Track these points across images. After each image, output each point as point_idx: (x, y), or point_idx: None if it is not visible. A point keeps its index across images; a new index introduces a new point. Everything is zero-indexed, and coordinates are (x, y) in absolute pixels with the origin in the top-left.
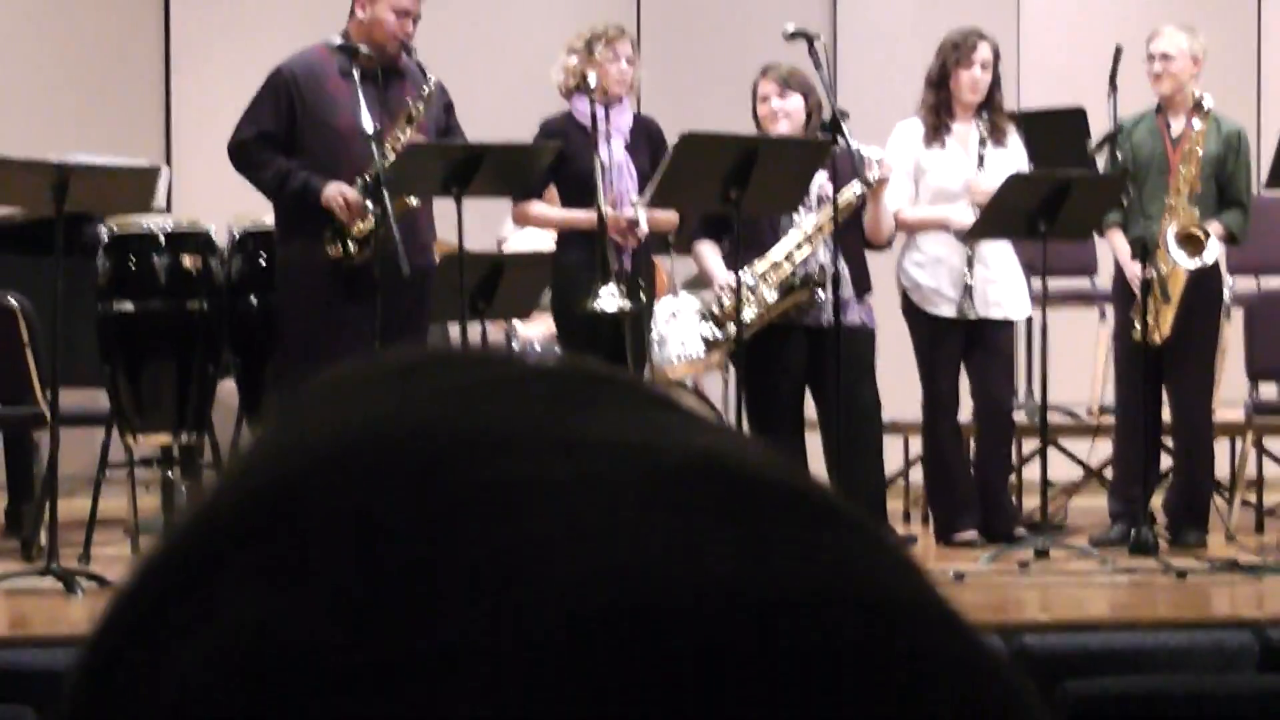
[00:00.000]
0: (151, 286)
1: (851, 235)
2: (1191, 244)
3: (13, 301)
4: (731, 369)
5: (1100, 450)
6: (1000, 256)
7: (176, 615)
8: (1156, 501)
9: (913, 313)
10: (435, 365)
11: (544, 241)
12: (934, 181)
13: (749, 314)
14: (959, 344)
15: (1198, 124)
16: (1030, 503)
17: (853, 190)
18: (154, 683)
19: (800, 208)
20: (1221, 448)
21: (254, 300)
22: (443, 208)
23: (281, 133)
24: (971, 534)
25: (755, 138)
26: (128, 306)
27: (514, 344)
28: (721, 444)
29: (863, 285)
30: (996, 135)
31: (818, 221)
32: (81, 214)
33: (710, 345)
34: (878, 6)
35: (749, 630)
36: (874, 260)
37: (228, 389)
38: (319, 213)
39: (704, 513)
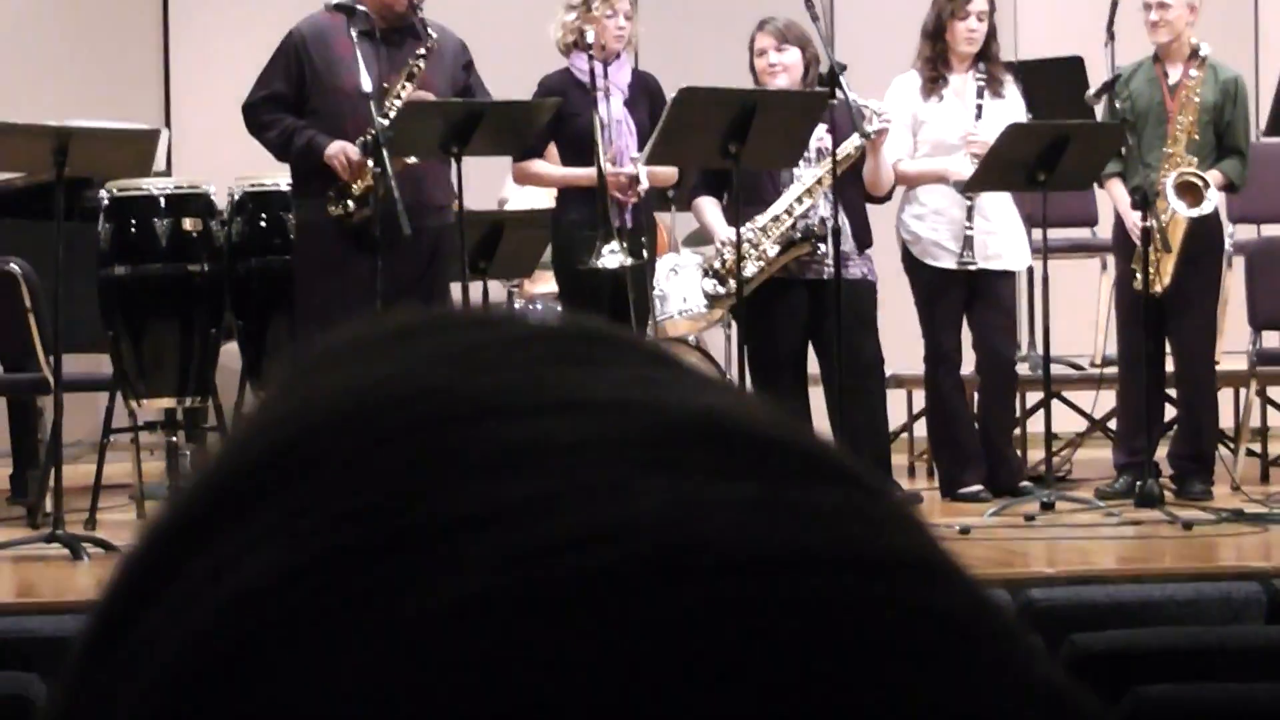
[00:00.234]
0: (152, 250)
1: (852, 189)
2: (1190, 193)
3: (14, 267)
4: (733, 324)
5: (1104, 402)
6: (1000, 208)
7: (185, 577)
8: (1162, 452)
9: (913, 265)
10: (435, 327)
11: (546, 200)
12: (932, 134)
13: (750, 269)
14: (960, 296)
15: (1195, 72)
16: (1035, 455)
17: (852, 143)
18: (163, 644)
19: (800, 161)
20: (1225, 398)
21: (255, 262)
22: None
23: (291, 94)
24: (976, 488)
25: (753, 91)
26: (129, 270)
27: (516, 302)
28: (724, 401)
29: (864, 238)
30: (994, 86)
31: (817, 175)
32: (82, 178)
33: (712, 301)
34: None
35: (752, 587)
36: (875, 215)
37: (230, 352)
38: (325, 172)
39: (706, 470)
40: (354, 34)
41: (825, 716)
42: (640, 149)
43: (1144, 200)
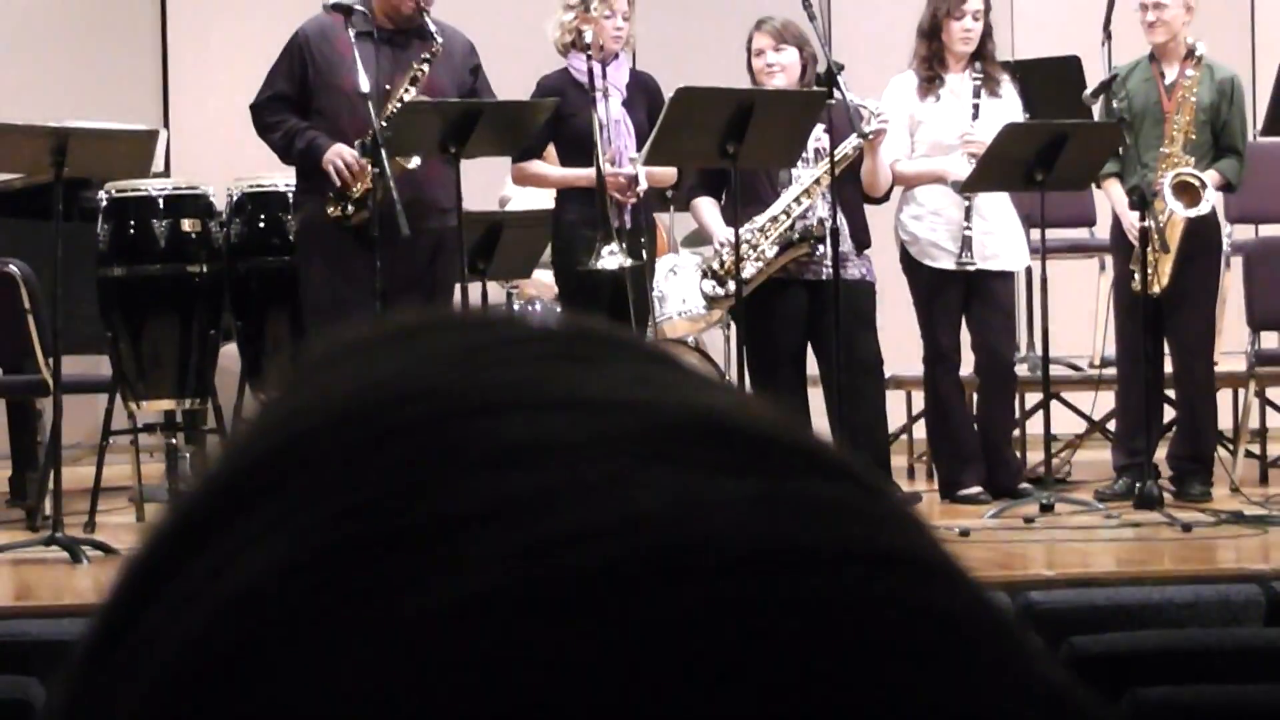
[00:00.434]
0: (151, 251)
1: (850, 189)
2: (1188, 193)
3: (13, 268)
4: (732, 325)
5: (1103, 403)
6: (998, 208)
7: (185, 576)
8: (1161, 453)
9: (912, 266)
10: (435, 327)
11: (548, 200)
12: (929, 134)
13: (749, 270)
14: (958, 297)
15: (1191, 72)
16: (1034, 456)
17: (850, 143)
18: (162, 645)
19: (798, 162)
20: (1224, 399)
21: (254, 263)
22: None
23: (295, 94)
24: (976, 489)
25: (751, 91)
26: (128, 271)
27: (515, 303)
28: (724, 399)
29: (862, 239)
30: (990, 86)
31: (815, 175)
32: (80, 179)
33: (711, 301)
34: None
35: (753, 585)
36: (873, 216)
37: (230, 353)
38: (324, 172)
39: (707, 466)
40: (352, 34)
41: (826, 716)
42: (639, 149)
43: (1142, 200)
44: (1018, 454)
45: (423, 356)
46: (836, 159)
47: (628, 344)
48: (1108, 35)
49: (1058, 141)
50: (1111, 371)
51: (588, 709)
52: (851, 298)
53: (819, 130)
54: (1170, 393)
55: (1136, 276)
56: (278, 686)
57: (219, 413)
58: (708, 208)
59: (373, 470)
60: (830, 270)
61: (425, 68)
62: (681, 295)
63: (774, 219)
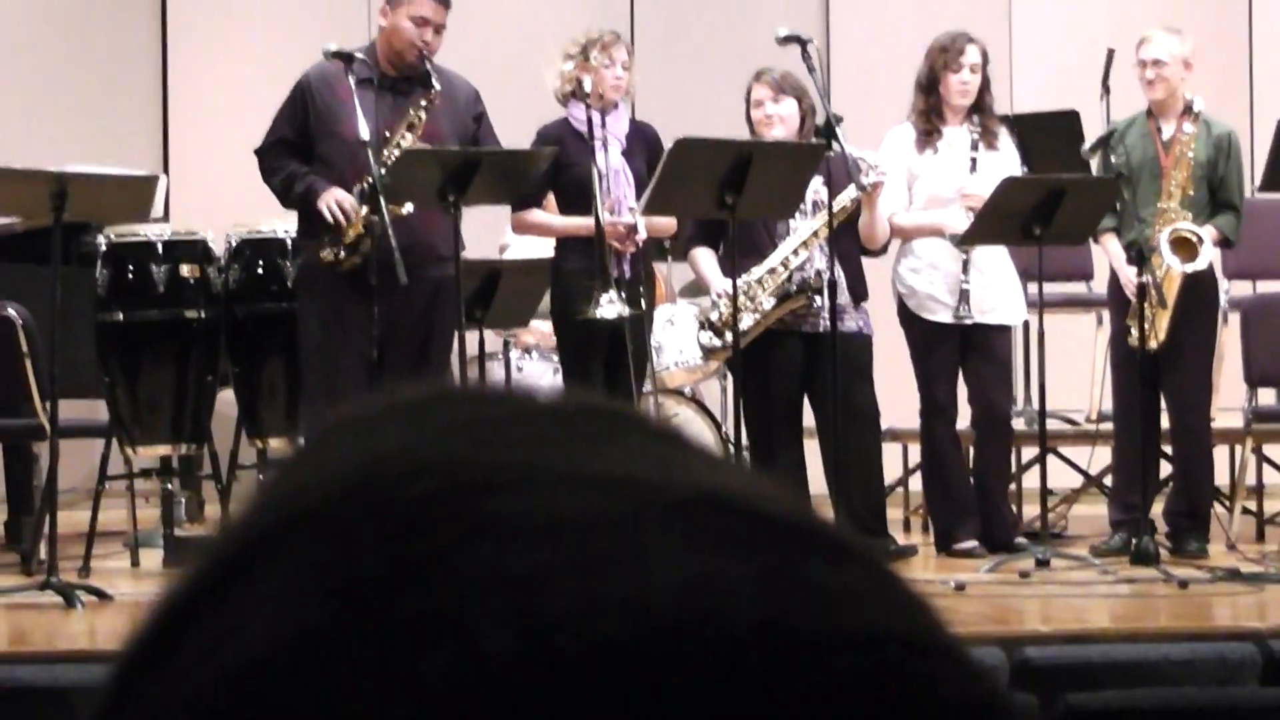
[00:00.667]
0: (149, 296)
1: (847, 241)
2: (1185, 248)
3: (11, 312)
4: (729, 376)
5: (1100, 457)
6: (995, 262)
7: (190, 644)
8: (1157, 509)
9: (909, 319)
10: (445, 401)
11: (548, 249)
12: (927, 187)
13: (746, 321)
14: (955, 350)
15: (1188, 128)
16: (1030, 511)
17: (848, 195)
18: (180, 693)
19: (796, 213)
20: (1221, 455)
21: (252, 308)
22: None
23: (298, 140)
24: (971, 543)
25: (750, 142)
26: (126, 316)
27: (512, 351)
28: (729, 479)
29: (859, 291)
30: (988, 139)
31: (813, 227)
32: (80, 223)
33: (708, 353)
34: (870, 10)
35: (758, 662)
36: (870, 268)
37: (226, 399)
38: (322, 217)
39: (712, 547)
40: (352, 81)
41: None
42: (638, 198)
43: (1139, 256)
44: (1014, 508)
45: (433, 431)
46: (835, 211)
47: (634, 420)
48: (1106, 90)
49: (1055, 196)
50: (1108, 426)
51: None
52: (848, 350)
53: (817, 182)
54: (1167, 448)
55: (1134, 331)
56: None
57: (215, 458)
58: (706, 258)
59: (380, 542)
60: (827, 322)
61: (423, 114)
62: (679, 346)
63: (772, 271)
